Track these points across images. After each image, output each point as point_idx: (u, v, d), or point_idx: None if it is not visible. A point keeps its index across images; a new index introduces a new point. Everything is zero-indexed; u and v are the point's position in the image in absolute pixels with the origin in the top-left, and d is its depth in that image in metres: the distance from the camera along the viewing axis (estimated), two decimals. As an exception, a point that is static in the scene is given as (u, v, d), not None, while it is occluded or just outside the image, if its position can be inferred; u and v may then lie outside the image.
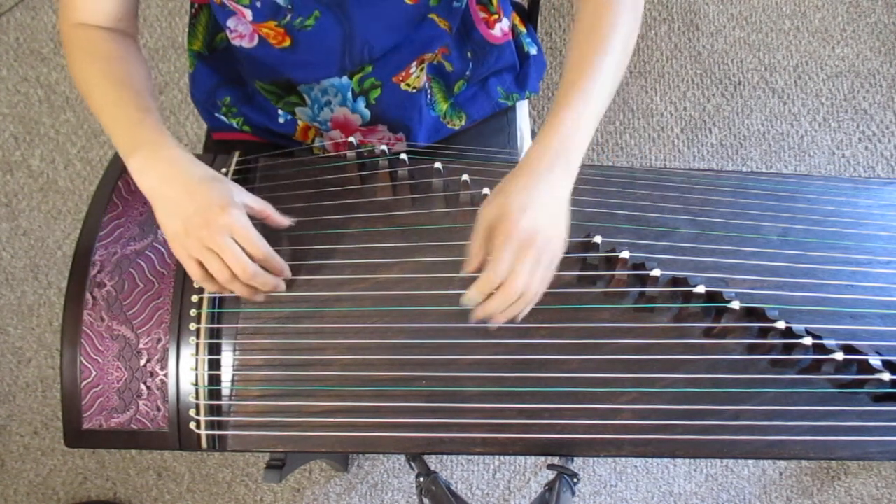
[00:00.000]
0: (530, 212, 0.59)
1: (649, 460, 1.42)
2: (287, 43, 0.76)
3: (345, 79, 0.80)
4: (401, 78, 0.82)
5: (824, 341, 0.67)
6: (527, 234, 0.59)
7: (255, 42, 0.78)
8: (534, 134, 1.08)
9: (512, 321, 0.63)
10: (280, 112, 0.88)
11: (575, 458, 1.33)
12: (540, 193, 0.60)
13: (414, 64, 0.81)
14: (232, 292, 0.67)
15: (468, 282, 0.70)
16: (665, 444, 0.66)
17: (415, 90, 0.84)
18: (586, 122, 0.63)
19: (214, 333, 0.69)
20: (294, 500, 1.41)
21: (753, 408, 0.67)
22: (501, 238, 0.59)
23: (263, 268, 0.65)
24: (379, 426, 0.67)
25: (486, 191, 0.71)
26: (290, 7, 0.71)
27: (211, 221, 0.62)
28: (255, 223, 0.66)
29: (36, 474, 1.43)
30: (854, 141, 1.59)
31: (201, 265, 0.64)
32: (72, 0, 0.72)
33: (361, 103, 0.83)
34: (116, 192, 0.76)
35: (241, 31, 0.78)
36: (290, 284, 0.70)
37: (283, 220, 0.70)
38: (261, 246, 0.64)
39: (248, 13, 0.72)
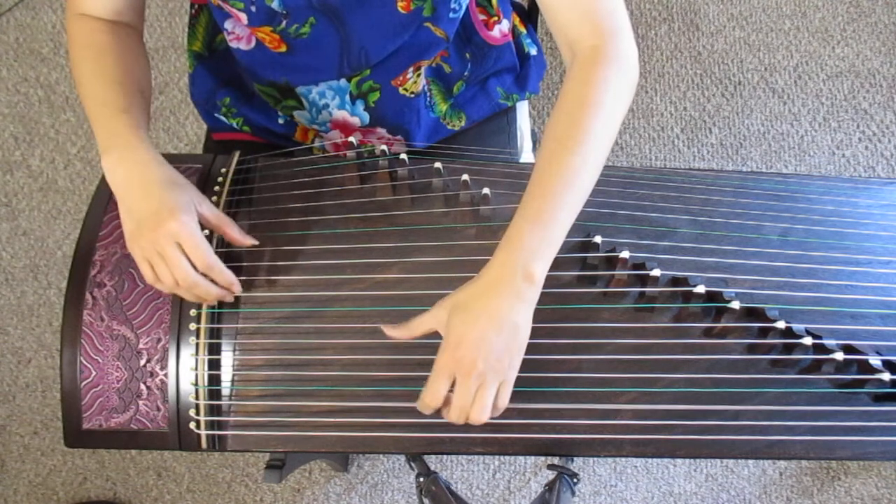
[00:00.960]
0: (469, 341, 0.57)
1: (649, 460, 1.42)
2: (283, 49, 0.76)
3: (343, 81, 0.80)
4: (399, 82, 0.82)
5: (824, 341, 0.67)
6: (464, 365, 0.57)
7: (253, 44, 0.78)
8: (534, 134, 1.08)
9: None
10: (280, 113, 0.88)
11: (575, 458, 1.33)
12: (486, 318, 0.57)
13: (411, 69, 0.81)
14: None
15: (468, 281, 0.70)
16: (665, 444, 0.66)
17: (413, 95, 0.84)
18: (556, 233, 0.60)
19: (214, 333, 0.69)
20: (294, 500, 1.41)
21: (754, 408, 0.67)
22: (437, 367, 0.59)
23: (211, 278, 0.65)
24: (379, 426, 0.67)
25: (486, 191, 0.71)
26: (285, 13, 0.71)
27: (159, 225, 0.63)
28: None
29: (36, 474, 1.43)
30: (854, 141, 1.60)
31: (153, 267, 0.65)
32: None
33: (360, 106, 0.83)
34: (116, 192, 0.76)
35: (239, 33, 0.78)
36: (289, 284, 0.71)
37: (244, 240, 0.69)
38: (204, 256, 0.64)
39: (244, 17, 0.72)
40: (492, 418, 0.62)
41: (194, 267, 0.64)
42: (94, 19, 0.73)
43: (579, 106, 0.62)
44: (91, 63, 0.71)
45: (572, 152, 0.61)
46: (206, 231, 0.68)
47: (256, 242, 0.70)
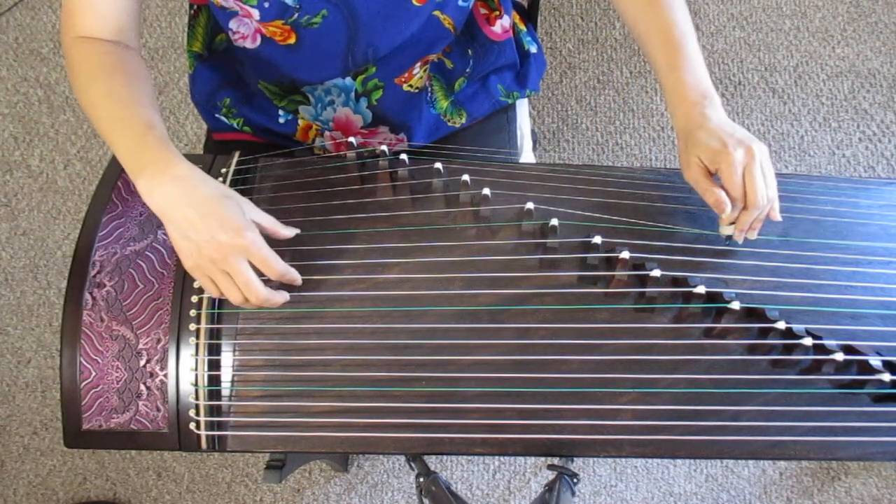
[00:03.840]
0: (736, 133, 0.67)
1: (649, 460, 1.42)
2: (292, 40, 0.76)
3: (348, 79, 0.80)
4: (403, 79, 0.82)
5: (824, 342, 0.67)
6: (743, 151, 0.66)
7: (258, 42, 0.78)
8: (534, 133, 1.09)
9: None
10: (281, 112, 0.88)
11: (575, 459, 1.33)
12: (723, 118, 0.69)
13: (417, 65, 0.81)
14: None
15: (469, 282, 0.70)
16: (665, 444, 0.66)
17: (417, 90, 0.84)
18: (699, 60, 0.74)
19: (214, 334, 0.69)
20: (294, 500, 1.41)
21: (754, 408, 0.67)
22: (726, 165, 0.66)
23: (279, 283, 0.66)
24: (379, 426, 0.67)
25: (486, 191, 0.71)
26: (298, 6, 0.71)
27: (224, 245, 0.61)
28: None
29: (35, 474, 1.43)
30: (854, 141, 1.59)
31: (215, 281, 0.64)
32: (73, 13, 0.71)
33: (363, 104, 0.83)
34: (116, 192, 0.76)
35: (244, 32, 0.78)
36: (289, 285, 0.70)
37: (289, 232, 0.70)
38: (277, 266, 0.64)
39: (256, 13, 0.72)
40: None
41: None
42: (95, 41, 0.71)
43: None
44: (103, 84, 0.68)
45: (669, 8, 0.77)
46: None
47: (299, 231, 0.71)
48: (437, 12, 0.76)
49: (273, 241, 0.71)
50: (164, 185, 0.62)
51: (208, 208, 0.62)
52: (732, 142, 0.66)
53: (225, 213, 0.62)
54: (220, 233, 0.61)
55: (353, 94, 0.82)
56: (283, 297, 0.67)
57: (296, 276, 0.67)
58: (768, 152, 0.69)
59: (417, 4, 0.73)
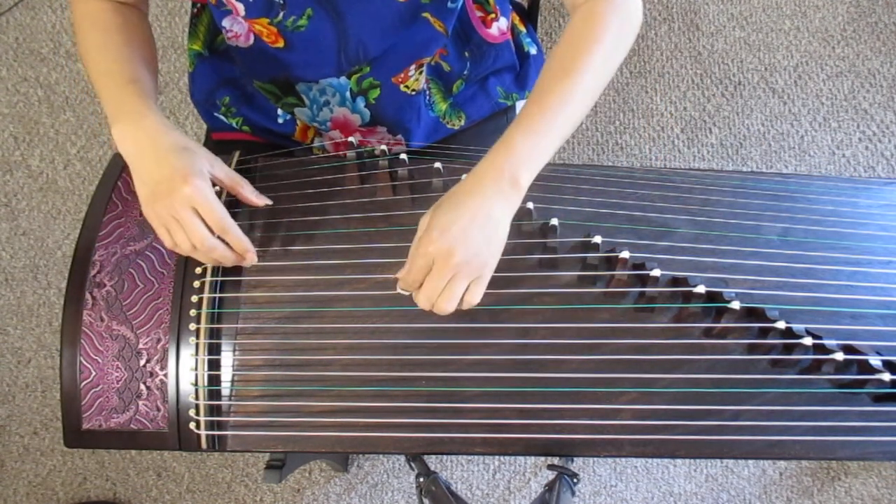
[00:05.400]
0: (453, 231, 0.59)
1: (649, 460, 1.42)
2: (280, 44, 0.76)
3: (343, 79, 0.80)
4: (400, 79, 0.81)
5: (824, 341, 0.67)
6: (443, 253, 0.59)
7: (251, 41, 0.78)
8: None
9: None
10: (279, 112, 0.88)
11: (575, 459, 1.33)
12: (471, 214, 0.60)
13: (412, 67, 0.81)
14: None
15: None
16: (665, 444, 0.66)
17: (414, 92, 0.84)
18: (545, 147, 0.62)
19: (214, 333, 0.69)
20: (294, 500, 1.41)
21: (754, 408, 0.67)
22: (419, 252, 0.61)
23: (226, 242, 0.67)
24: (379, 426, 0.67)
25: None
26: (282, 3, 0.71)
27: (173, 191, 0.64)
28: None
29: (35, 474, 1.43)
30: (854, 141, 1.59)
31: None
32: None
33: (361, 103, 0.83)
34: (116, 192, 0.76)
35: (237, 30, 0.78)
36: (289, 285, 0.70)
37: (258, 200, 0.71)
38: (219, 218, 0.65)
39: (241, 7, 0.72)
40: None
41: (211, 231, 0.65)
42: (100, 0, 0.74)
43: (582, 39, 0.65)
44: (97, 39, 0.72)
45: (571, 78, 0.63)
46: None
47: (270, 202, 0.72)
48: (426, 14, 0.76)
49: (271, 240, 0.72)
50: (133, 134, 0.66)
51: (164, 156, 0.65)
52: (452, 237, 0.59)
53: (178, 162, 0.65)
54: (169, 179, 0.64)
55: (348, 94, 0.82)
56: (234, 256, 0.67)
57: (243, 244, 0.67)
58: (483, 270, 0.61)
59: (401, 1, 0.73)
